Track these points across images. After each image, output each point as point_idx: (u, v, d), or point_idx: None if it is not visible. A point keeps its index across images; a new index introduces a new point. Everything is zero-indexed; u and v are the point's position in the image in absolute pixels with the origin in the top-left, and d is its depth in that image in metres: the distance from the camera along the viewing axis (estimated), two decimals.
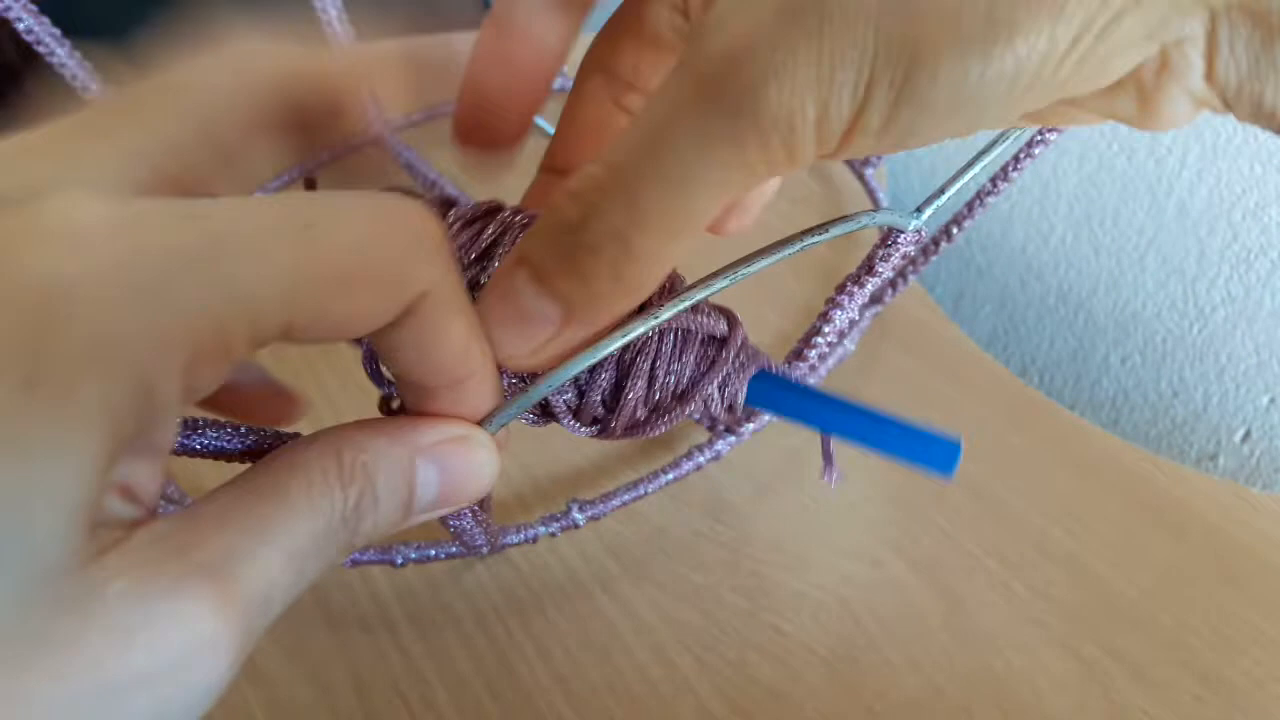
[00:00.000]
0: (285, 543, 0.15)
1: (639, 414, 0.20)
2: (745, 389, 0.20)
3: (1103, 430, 0.40)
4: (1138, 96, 0.15)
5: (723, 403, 0.20)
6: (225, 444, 0.18)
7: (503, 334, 0.17)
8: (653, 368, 0.20)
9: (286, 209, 0.15)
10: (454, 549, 0.34)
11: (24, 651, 0.12)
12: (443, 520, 0.25)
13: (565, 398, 0.20)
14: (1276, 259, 0.45)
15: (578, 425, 0.20)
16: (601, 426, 0.20)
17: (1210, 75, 0.15)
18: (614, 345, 0.18)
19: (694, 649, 0.33)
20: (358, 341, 0.20)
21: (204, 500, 0.15)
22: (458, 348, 0.17)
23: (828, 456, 0.22)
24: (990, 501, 0.37)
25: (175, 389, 0.13)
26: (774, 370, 0.21)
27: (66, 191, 0.13)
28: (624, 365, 0.20)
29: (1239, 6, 0.14)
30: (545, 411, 0.21)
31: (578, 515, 0.34)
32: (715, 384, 0.20)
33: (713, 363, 0.20)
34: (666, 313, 0.18)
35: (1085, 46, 0.14)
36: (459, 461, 0.18)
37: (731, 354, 0.20)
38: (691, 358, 0.20)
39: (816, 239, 0.18)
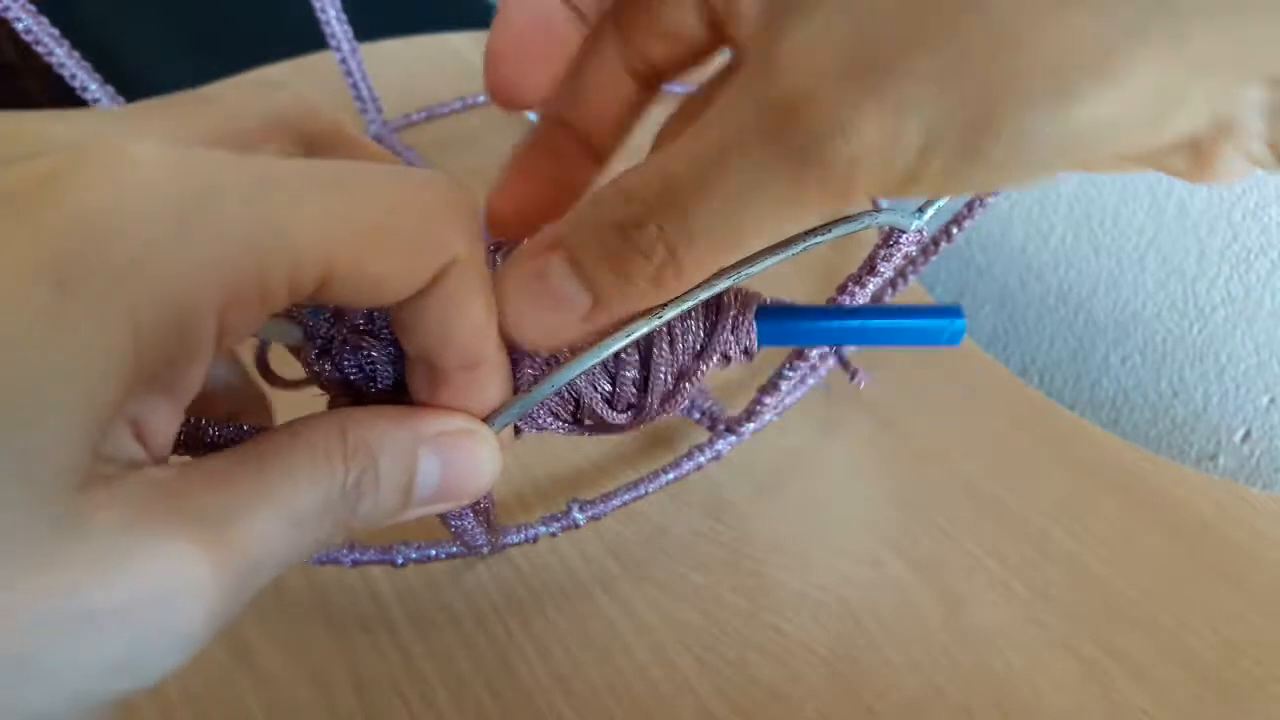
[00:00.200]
0: (284, 507, 0.15)
1: (669, 383, 0.20)
2: (754, 327, 0.20)
3: (1103, 430, 0.40)
4: (1193, 155, 0.16)
5: (738, 345, 0.20)
6: (233, 439, 0.18)
7: (525, 309, 0.18)
8: (670, 334, 0.20)
9: (329, 167, 0.15)
10: (455, 549, 0.34)
11: (6, 559, 0.12)
12: (444, 520, 0.25)
13: (602, 389, 0.20)
14: (1276, 259, 0.45)
15: (615, 414, 0.21)
16: (637, 409, 0.21)
17: (1271, 139, 0.15)
18: (619, 344, 0.18)
19: (694, 649, 0.32)
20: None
21: (204, 459, 0.15)
22: (478, 326, 0.17)
23: (848, 366, 0.22)
24: (990, 501, 0.37)
25: (209, 327, 0.14)
26: (770, 303, 0.21)
27: (118, 137, 0.14)
28: (644, 344, 0.20)
29: None
30: (577, 414, 0.21)
31: (578, 515, 0.34)
32: (728, 329, 0.20)
33: (718, 311, 0.20)
34: (670, 312, 0.18)
35: (1146, 113, 0.14)
36: (462, 455, 0.18)
37: (731, 299, 0.20)
38: (699, 315, 0.20)
39: (820, 239, 0.18)
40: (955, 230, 0.34)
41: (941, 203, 0.23)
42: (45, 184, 0.13)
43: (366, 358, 0.19)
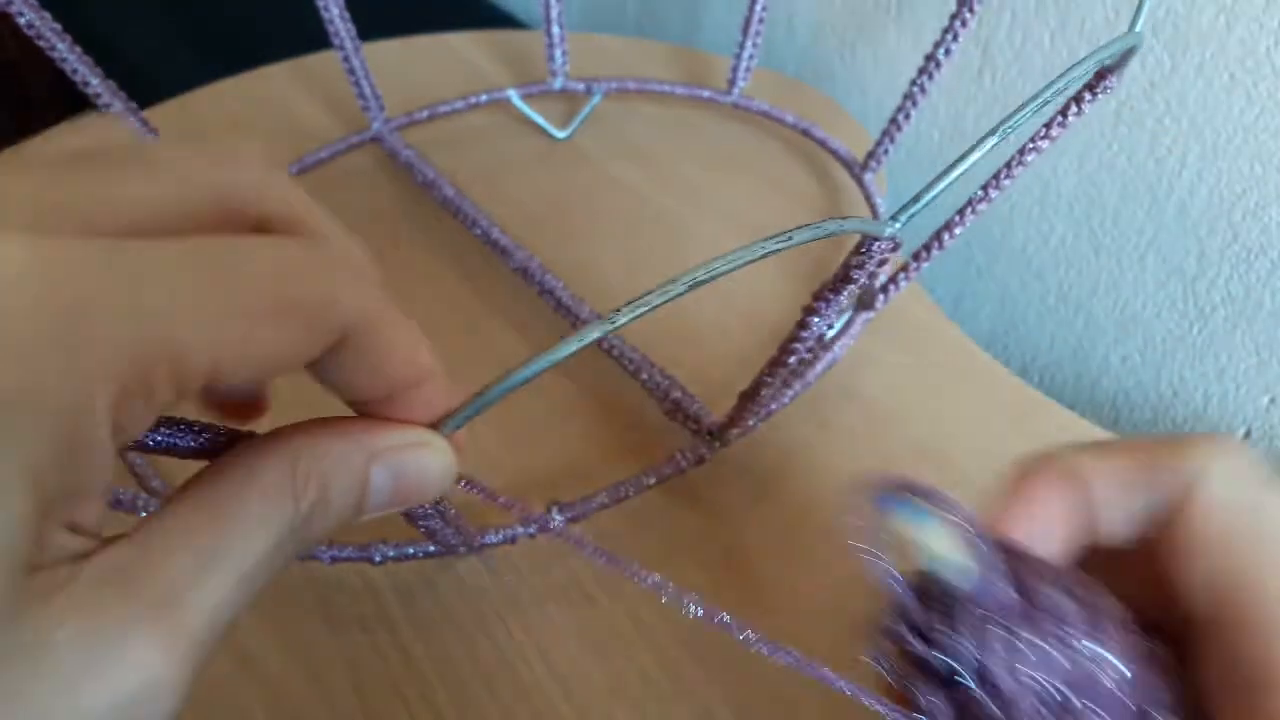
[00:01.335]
0: (237, 564, 0.15)
1: None
2: None
3: (1103, 430, 0.40)
4: None
5: None
6: (178, 441, 0.18)
7: None
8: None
9: (208, 249, 0.15)
10: (431, 548, 0.34)
11: None
12: (412, 521, 0.25)
13: None
14: (1276, 259, 0.45)
15: None
16: None
17: None
18: (572, 348, 0.17)
19: (694, 649, 0.33)
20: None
21: (156, 518, 0.15)
22: (403, 361, 0.17)
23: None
24: (990, 501, 0.37)
25: (102, 433, 0.13)
26: None
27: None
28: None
29: None
30: None
31: (557, 517, 0.34)
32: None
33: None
34: (624, 318, 0.17)
35: None
36: (413, 467, 0.18)
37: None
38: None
39: (779, 246, 0.18)
40: (947, 236, 0.34)
41: (917, 210, 0.22)
42: None
43: None
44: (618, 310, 0.17)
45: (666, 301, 0.18)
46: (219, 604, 0.15)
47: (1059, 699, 0.16)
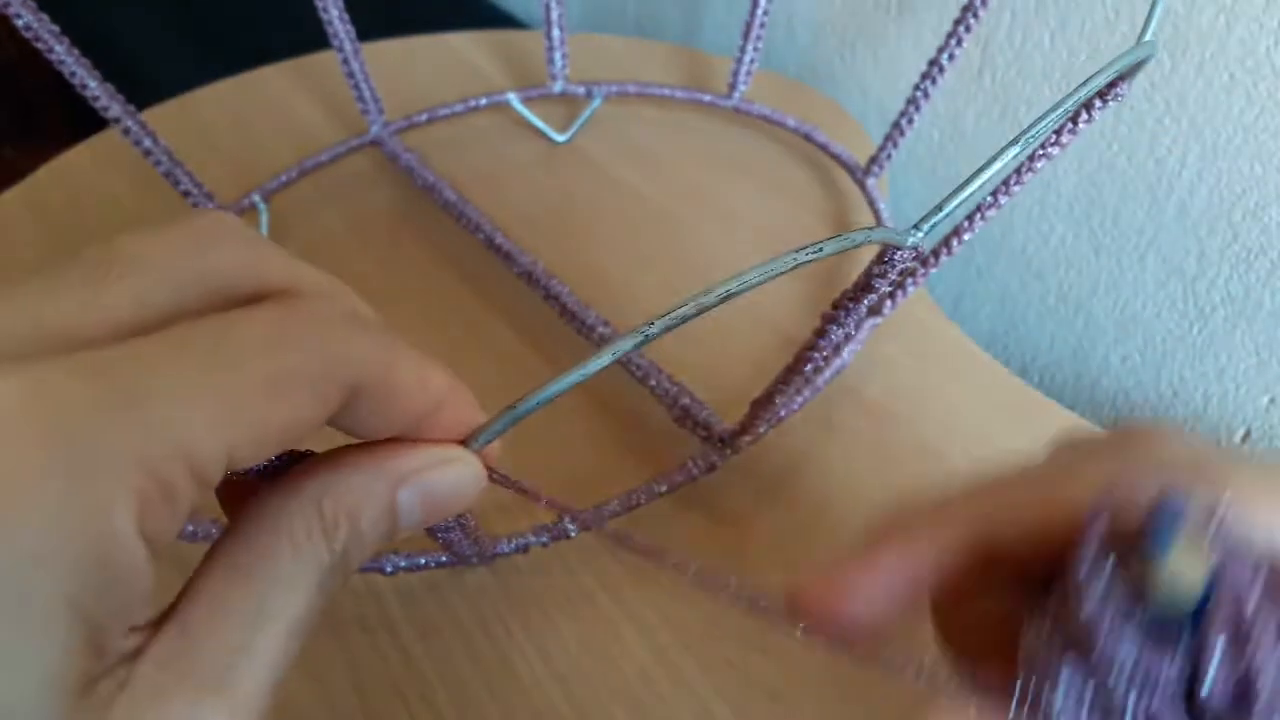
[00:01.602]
0: (282, 621, 0.16)
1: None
2: None
3: (1103, 430, 0.40)
4: None
5: None
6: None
7: None
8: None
9: (193, 334, 0.14)
10: (444, 558, 0.34)
11: None
12: (431, 533, 0.25)
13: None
14: (1276, 259, 0.45)
15: None
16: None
17: None
18: (604, 361, 0.17)
19: (694, 649, 0.33)
20: None
21: (194, 591, 0.15)
22: (413, 398, 0.17)
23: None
24: None
25: (131, 549, 0.13)
26: None
27: None
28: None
29: None
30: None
31: (569, 525, 0.34)
32: None
33: None
34: (657, 329, 0.17)
35: None
36: (441, 485, 0.18)
37: None
38: None
39: (810, 257, 0.18)
40: (955, 243, 0.34)
41: (939, 219, 0.22)
42: None
43: None
44: (650, 323, 0.17)
45: (699, 314, 0.17)
46: (272, 663, 0.15)
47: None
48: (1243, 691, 0.14)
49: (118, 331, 0.15)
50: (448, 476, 0.18)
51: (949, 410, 0.40)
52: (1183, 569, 0.15)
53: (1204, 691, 0.14)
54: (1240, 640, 0.14)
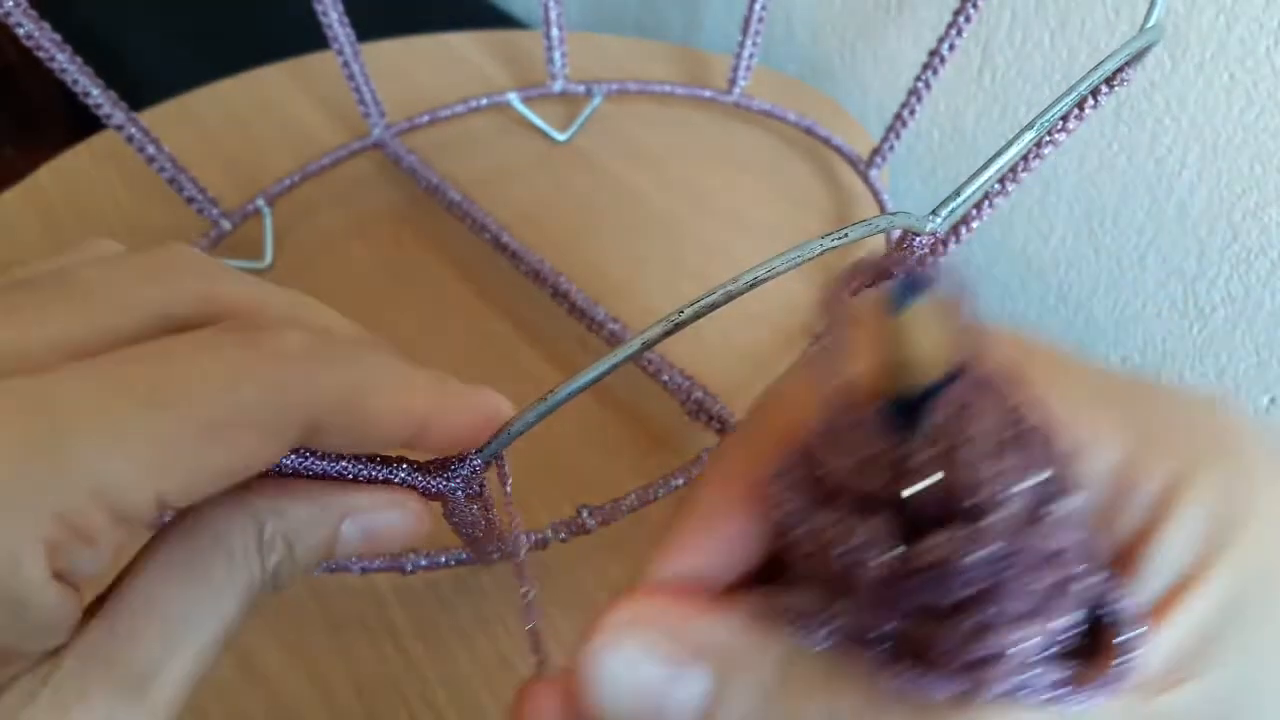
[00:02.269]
0: (207, 629, 0.16)
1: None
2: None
3: None
4: None
5: None
6: (314, 467, 0.17)
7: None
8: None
9: (126, 366, 0.14)
10: (464, 555, 0.34)
11: None
12: (457, 531, 0.25)
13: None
14: (1276, 259, 0.45)
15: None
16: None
17: None
18: (629, 352, 0.17)
19: None
20: None
21: (125, 587, 0.15)
22: (392, 423, 0.17)
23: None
24: None
25: (43, 594, 0.13)
26: None
27: None
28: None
29: None
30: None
31: (589, 520, 0.34)
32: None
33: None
34: (688, 315, 0.18)
35: None
36: (385, 526, 0.18)
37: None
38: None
39: (836, 243, 0.18)
40: (964, 231, 0.34)
41: (957, 204, 0.23)
42: None
43: None
44: (680, 311, 0.17)
45: (728, 300, 0.18)
46: (191, 673, 0.15)
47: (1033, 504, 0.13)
48: (952, 494, 0.12)
49: (63, 355, 0.14)
50: (392, 518, 0.18)
51: None
52: (919, 339, 0.13)
53: (909, 489, 0.12)
54: (954, 437, 0.12)
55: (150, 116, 0.56)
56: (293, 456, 0.17)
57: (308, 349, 0.15)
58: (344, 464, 0.17)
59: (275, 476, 0.17)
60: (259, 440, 0.15)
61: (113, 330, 0.15)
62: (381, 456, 0.18)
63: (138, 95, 0.46)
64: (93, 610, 0.15)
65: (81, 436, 0.13)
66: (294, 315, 0.17)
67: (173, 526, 0.16)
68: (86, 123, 0.50)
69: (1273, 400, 0.48)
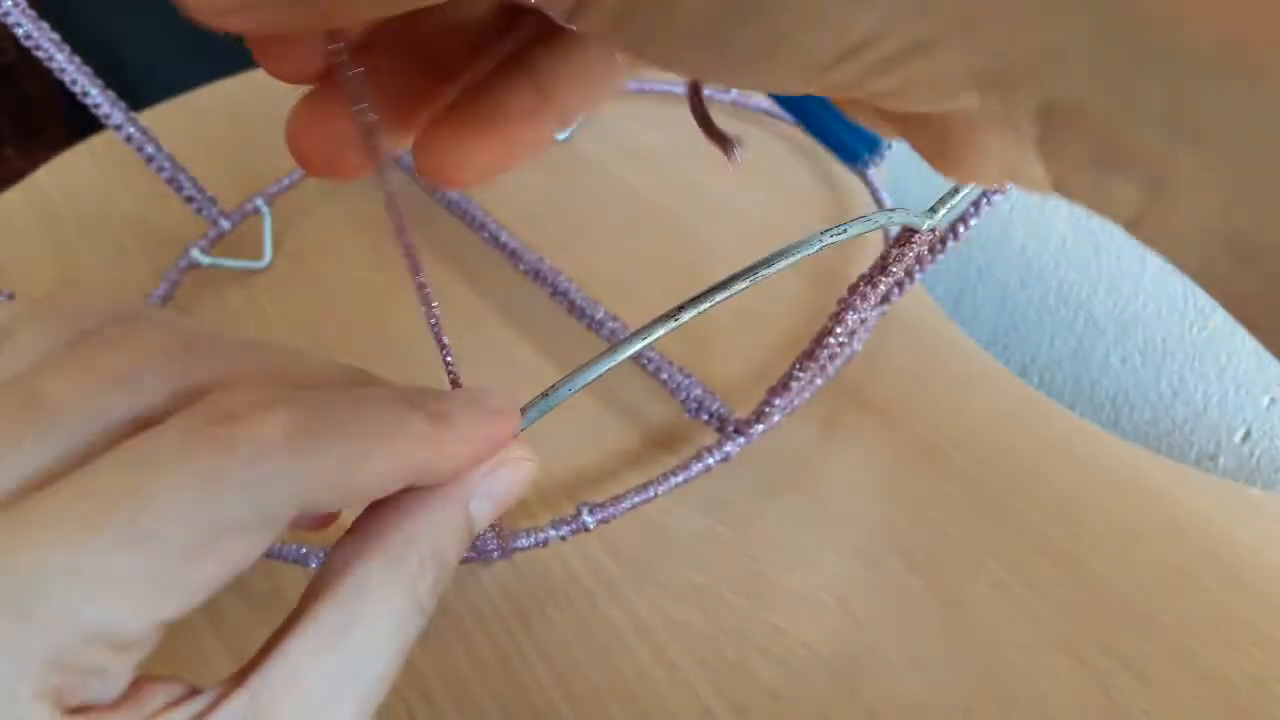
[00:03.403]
0: (364, 685, 0.15)
1: None
2: None
3: (1102, 430, 0.40)
4: (939, 137, 0.13)
5: None
6: None
7: None
8: None
9: (103, 505, 0.13)
10: (466, 553, 0.34)
11: None
12: None
13: None
14: None
15: None
16: None
17: (1043, 153, 0.13)
18: (638, 345, 0.18)
19: (694, 649, 0.33)
20: None
21: (269, 662, 0.15)
22: (392, 485, 0.16)
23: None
24: (990, 501, 0.37)
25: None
26: None
27: None
28: None
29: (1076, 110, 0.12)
30: None
31: (588, 519, 0.34)
32: None
33: None
34: (688, 315, 0.18)
35: (868, 59, 0.12)
36: (506, 485, 0.18)
37: None
38: None
39: (836, 238, 0.19)
40: (963, 228, 0.34)
41: (956, 201, 0.23)
42: None
43: None
44: (681, 307, 0.18)
45: (732, 296, 0.18)
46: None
47: None
48: None
49: (33, 486, 0.14)
50: (508, 477, 0.18)
51: (949, 410, 0.40)
52: None
53: None
54: None
55: (150, 116, 0.56)
56: None
57: (289, 433, 0.14)
58: None
59: (386, 504, 0.16)
60: (250, 541, 0.14)
61: (84, 447, 0.14)
62: None
63: (138, 95, 0.46)
64: (231, 685, 0.14)
65: (57, 593, 0.13)
66: (273, 378, 0.16)
67: (317, 588, 0.15)
68: (86, 123, 0.50)
69: (1273, 400, 0.48)
